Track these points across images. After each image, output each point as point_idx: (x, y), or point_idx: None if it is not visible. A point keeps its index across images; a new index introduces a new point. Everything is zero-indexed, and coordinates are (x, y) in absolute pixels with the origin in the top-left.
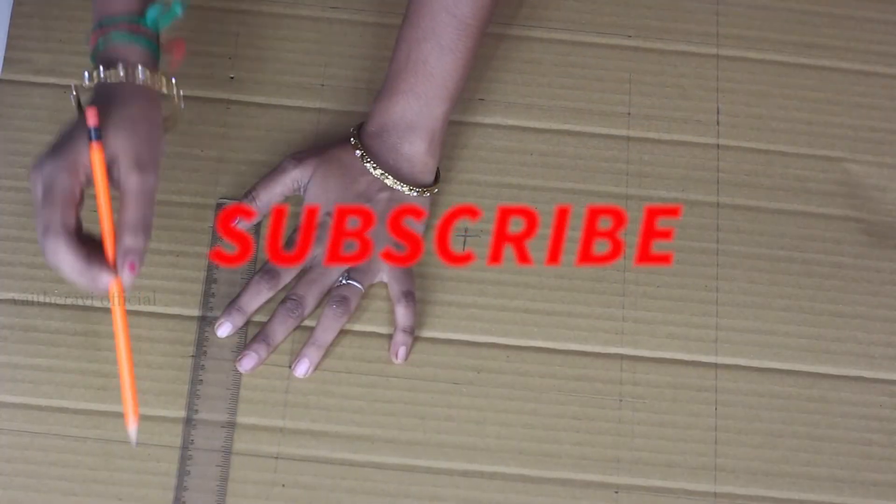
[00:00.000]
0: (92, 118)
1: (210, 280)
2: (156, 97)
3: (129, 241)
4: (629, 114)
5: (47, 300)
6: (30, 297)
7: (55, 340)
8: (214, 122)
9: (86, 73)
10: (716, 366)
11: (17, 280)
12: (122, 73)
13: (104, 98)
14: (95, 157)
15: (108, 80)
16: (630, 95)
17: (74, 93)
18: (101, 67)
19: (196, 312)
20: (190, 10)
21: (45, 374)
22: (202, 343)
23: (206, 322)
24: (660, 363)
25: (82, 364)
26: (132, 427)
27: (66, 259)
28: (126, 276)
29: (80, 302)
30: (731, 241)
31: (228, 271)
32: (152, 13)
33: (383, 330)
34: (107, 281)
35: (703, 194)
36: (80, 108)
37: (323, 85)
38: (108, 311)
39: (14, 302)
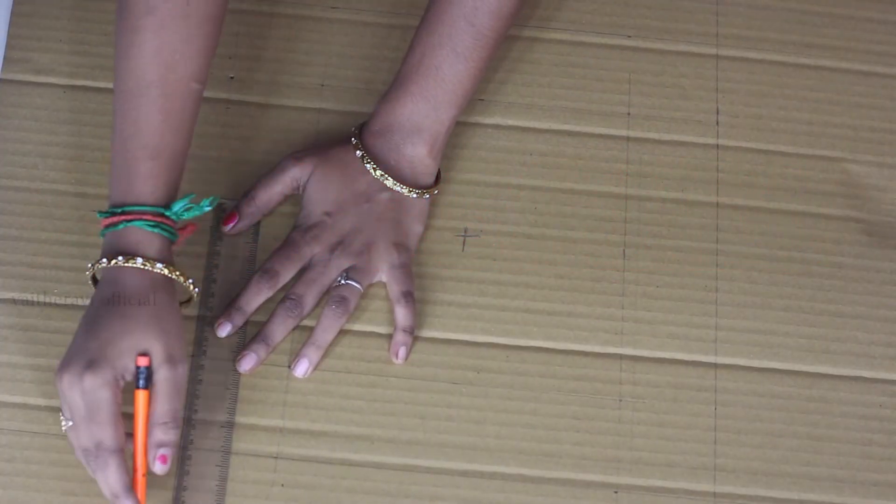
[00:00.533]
0: (143, 361)
1: (209, 280)
2: (173, 287)
3: (161, 435)
4: (629, 114)
5: (47, 300)
6: (29, 297)
7: (55, 340)
8: (214, 122)
9: (104, 260)
10: (715, 366)
11: (16, 280)
12: (140, 264)
13: (123, 286)
14: (140, 401)
15: (121, 266)
16: (630, 96)
17: (90, 272)
18: (121, 257)
19: (195, 312)
20: None
21: (45, 374)
22: (201, 343)
23: (205, 322)
24: (659, 363)
25: None
26: None
27: (115, 477)
28: (158, 468)
29: (79, 302)
30: (731, 242)
31: (227, 271)
32: (179, 206)
33: (383, 330)
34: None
35: (702, 194)
36: (95, 283)
37: (323, 85)
38: None
39: (14, 302)
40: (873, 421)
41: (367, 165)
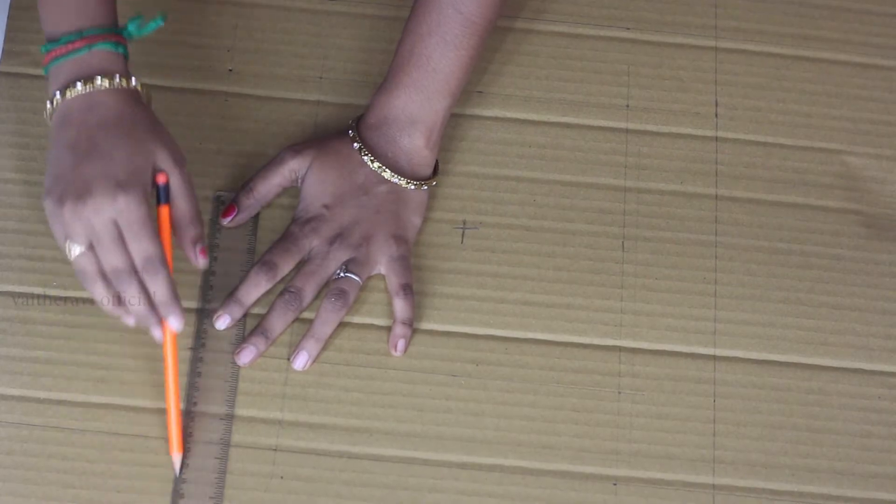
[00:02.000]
0: (162, 178)
1: (208, 272)
2: (142, 97)
3: (193, 231)
4: (628, 106)
5: (46, 293)
6: (28, 290)
7: (54, 333)
8: (213, 114)
9: (79, 84)
10: (714, 358)
11: (15, 272)
12: (119, 81)
13: (111, 107)
14: (164, 216)
15: (100, 88)
16: (629, 88)
17: (50, 108)
18: (100, 77)
19: (194, 305)
20: (188, 2)
21: (43, 367)
22: (201, 335)
23: (204, 314)
24: (658, 355)
25: (81, 356)
26: (176, 456)
27: (165, 285)
28: (201, 262)
29: (78, 294)
30: (730, 234)
31: (226, 263)
32: (133, 25)
33: (381, 322)
34: (180, 314)
35: (701, 186)
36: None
37: (321, 77)
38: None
39: (12, 295)
40: (872, 413)
41: (365, 158)
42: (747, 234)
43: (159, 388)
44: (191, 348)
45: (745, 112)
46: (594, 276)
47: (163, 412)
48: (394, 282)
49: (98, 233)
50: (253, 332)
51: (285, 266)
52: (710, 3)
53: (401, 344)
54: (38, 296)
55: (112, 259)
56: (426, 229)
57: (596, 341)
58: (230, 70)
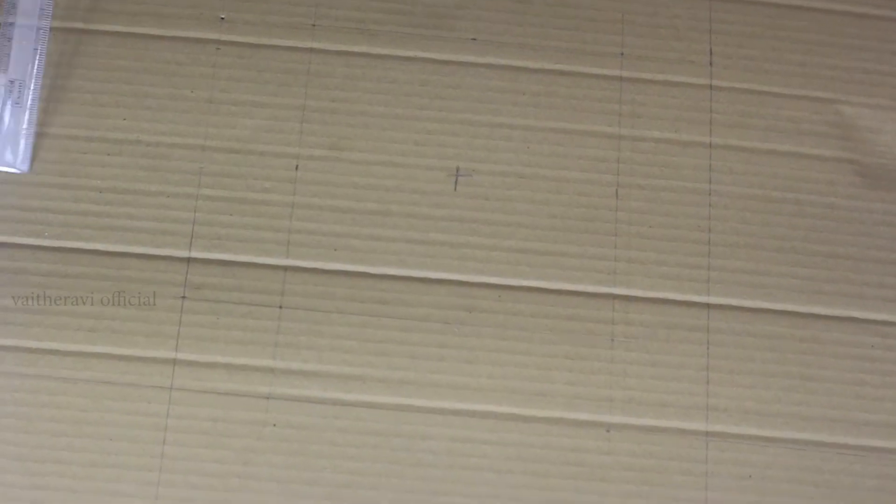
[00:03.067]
0: None
1: (198, 221)
2: None
3: None
4: (622, 54)
5: (37, 242)
6: (19, 241)
7: (46, 283)
8: (204, 62)
9: None
10: (708, 306)
11: (6, 223)
12: None
13: None
14: None
15: None
16: (623, 36)
17: None
18: None
19: (185, 254)
20: None
21: (36, 317)
22: (191, 284)
23: (193, 263)
24: (652, 303)
25: (71, 307)
26: None
27: None
28: None
29: (69, 244)
30: (724, 182)
31: (214, 211)
32: None
33: (374, 270)
34: None
35: (695, 135)
36: None
37: (314, 25)
38: (97, 253)
39: (4, 245)
40: (865, 361)
41: None
42: (741, 182)
43: (151, 338)
44: (181, 297)
45: (739, 61)
46: (588, 223)
47: (156, 361)
48: None
49: None
50: None
51: None
52: None
53: None
54: (31, 246)
55: None
56: (419, 176)
57: (589, 289)
58: (222, 18)
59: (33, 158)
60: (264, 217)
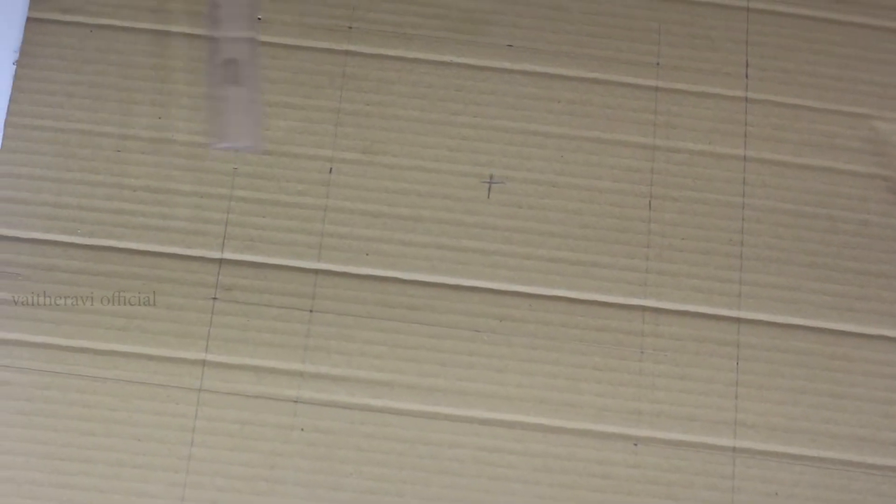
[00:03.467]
0: None
1: (231, 223)
2: None
3: None
4: (658, 64)
5: (70, 240)
6: (52, 237)
7: (77, 280)
8: None
9: None
10: (738, 320)
11: (40, 219)
12: None
13: None
14: None
15: None
16: (659, 46)
17: None
18: None
19: (217, 255)
20: None
21: (66, 314)
22: (222, 286)
23: (225, 264)
24: (682, 316)
25: (103, 305)
26: None
27: None
28: None
29: (102, 242)
30: (757, 196)
31: (247, 212)
32: None
33: (405, 276)
34: None
35: (730, 147)
36: None
37: (350, 27)
38: (129, 252)
39: (37, 241)
40: (895, 380)
41: None
42: (774, 196)
43: (180, 338)
44: (213, 298)
45: (775, 73)
46: (620, 234)
47: (186, 361)
48: None
49: None
50: None
51: None
52: None
53: None
54: (63, 243)
55: None
56: (452, 182)
57: (620, 300)
58: (259, 19)
59: (70, 154)
60: (297, 220)
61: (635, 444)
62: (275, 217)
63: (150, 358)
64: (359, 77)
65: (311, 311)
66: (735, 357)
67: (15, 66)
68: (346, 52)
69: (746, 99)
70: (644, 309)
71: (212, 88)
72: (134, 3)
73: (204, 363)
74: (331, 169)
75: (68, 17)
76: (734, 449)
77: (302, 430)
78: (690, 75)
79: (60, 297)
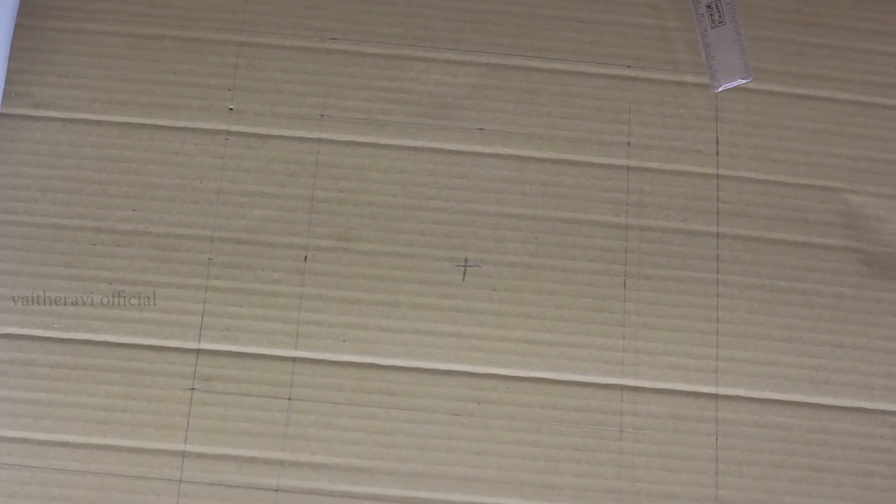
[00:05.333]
0: None
1: (207, 313)
2: None
3: None
4: (629, 143)
5: (47, 334)
6: (29, 332)
7: (55, 375)
8: (213, 153)
9: None
10: (716, 396)
11: (16, 314)
12: None
13: None
14: None
15: None
16: (630, 125)
17: None
18: None
19: (195, 345)
20: (189, 42)
21: (45, 409)
22: (200, 376)
23: (203, 354)
24: (660, 394)
25: (82, 398)
26: None
27: None
28: None
29: (79, 336)
30: (732, 272)
31: (224, 302)
32: None
33: (383, 361)
34: None
35: (703, 224)
36: None
37: (322, 115)
38: (107, 344)
39: (13, 336)
40: (874, 452)
41: None
42: (749, 272)
43: (160, 429)
44: (191, 388)
45: (746, 150)
46: (596, 314)
47: (165, 453)
48: None
49: None
50: None
51: None
52: None
53: None
54: (40, 337)
55: None
56: (427, 267)
57: (598, 380)
58: (231, 109)
59: (45, 248)
60: (273, 308)
61: None
62: (251, 306)
63: (130, 450)
64: (332, 164)
65: (289, 398)
66: (714, 433)
67: None
68: (319, 140)
69: (718, 175)
70: (622, 388)
71: (702, 37)
72: (106, 97)
73: (184, 454)
74: (306, 256)
75: (40, 113)
76: None
77: None
78: (662, 154)
79: (38, 392)
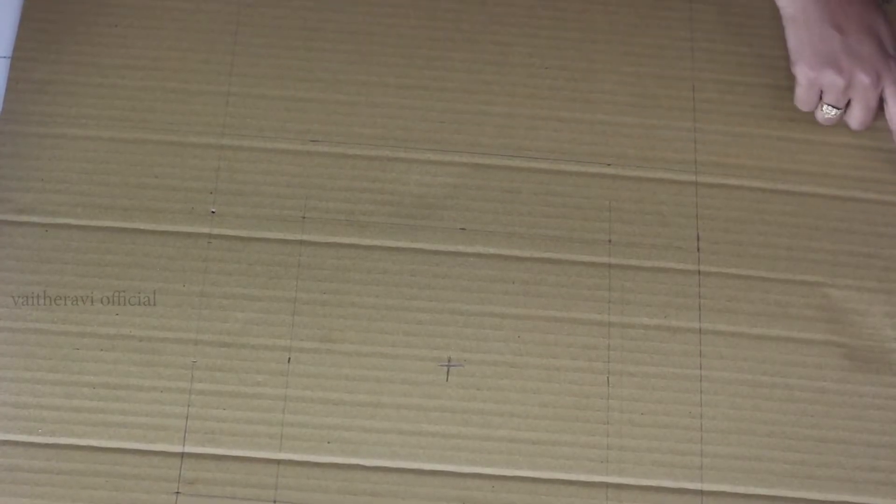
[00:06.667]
0: None
1: (191, 416)
2: None
3: None
4: (610, 241)
5: (30, 440)
6: (12, 438)
7: (39, 480)
8: (196, 256)
9: None
10: (702, 493)
11: (0, 420)
12: None
13: None
14: None
15: None
16: (610, 223)
17: None
18: None
19: (179, 448)
20: (170, 145)
21: None
22: (185, 479)
23: (187, 458)
24: (645, 490)
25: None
26: None
27: None
28: None
29: (63, 441)
30: (714, 367)
31: (207, 405)
32: None
33: (366, 462)
34: None
35: (685, 320)
36: None
37: (304, 217)
38: (91, 449)
39: None
40: None
41: None
42: (731, 367)
43: None
44: (175, 492)
45: (726, 246)
46: (580, 412)
47: None
48: None
49: (865, 98)
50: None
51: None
52: (689, 138)
53: None
54: (24, 443)
55: (867, 119)
56: (410, 367)
57: (583, 478)
58: (213, 212)
59: (28, 354)
60: (257, 411)
61: None
62: (235, 409)
63: None
64: (314, 266)
65: (274, 501)
66: None
67: None
68: (301, 242)
69: (699, 272)
70: (607, 486)
71: None
72: (88, 201)
73: None
74: (289, 358)
75: (23, 218)
76: None
77: None
78: (643, 251)
79: (23, 498)
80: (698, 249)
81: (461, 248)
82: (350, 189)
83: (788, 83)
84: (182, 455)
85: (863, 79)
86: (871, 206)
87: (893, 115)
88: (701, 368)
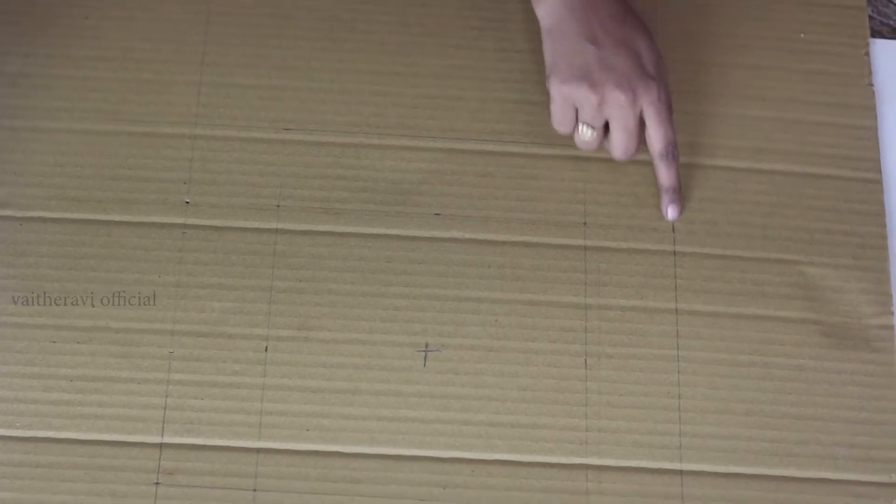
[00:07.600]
0: None
1: (169, 406)
2: None
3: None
4: (585, 223)
5: (8, 433)
6: None
7: (18, 473)
8: (171, 247)
9: None
10: (681, 472)
11: None
12: None
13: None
14: None
15: None
16: (585, 205)
17: None
18: None
19: (157, 439)
20: (143, 136)
21: None
22: (164, 470)
23: (166, 448)
24: (625, 472)
25: (45, 496)
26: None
27: (677, 175)
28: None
29: (41, 434)
30: (692, 347)
31: (185, 395)
32: None
33: (346, 450)
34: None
35: (661, 301)
36: None
37: (279, 206)
38: (69, 441)
39: None
40: None
41: None
42: (709, 347)
43: None
44: (155, 483)
45: (701, 226)
46: (558, 394)
47: None
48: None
49: (622, 119)
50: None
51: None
52: None
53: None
54: (1, 437)
55: (629, 144)
56: (388, 353)
57: (562, 460)
58: (187, 202)
59: (5, 347)
60: (235, 400)
61: None
62: (213, 398)
63: None
64: (290, 254)
65: (254, 490)
66: None
67: None
68: (276, 231)
69: (675, 252)
70: (587, 467)
71: None
72: (62, 194)
73: None
74: (266, 347)
75: None
76: None
77: None
78: (618, 232)
79: (1, 491)
80: (673, 230)
81: (437, 233)
82: (324, 176)
83: (760, 63)
84: (161, 446)
85: (617, 95)
86: (845, 183)
87: (653, 137)
88: (678, 349)
